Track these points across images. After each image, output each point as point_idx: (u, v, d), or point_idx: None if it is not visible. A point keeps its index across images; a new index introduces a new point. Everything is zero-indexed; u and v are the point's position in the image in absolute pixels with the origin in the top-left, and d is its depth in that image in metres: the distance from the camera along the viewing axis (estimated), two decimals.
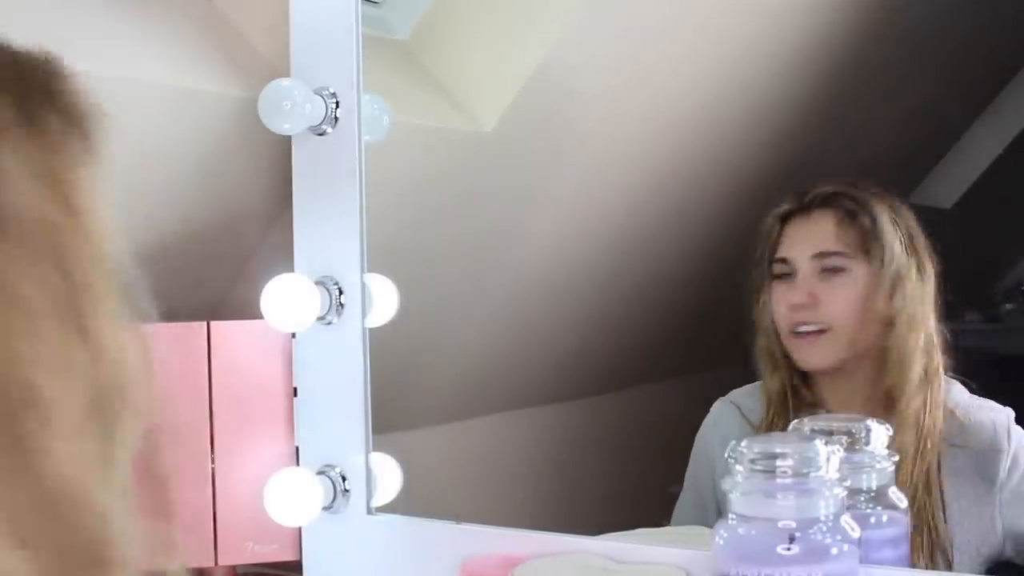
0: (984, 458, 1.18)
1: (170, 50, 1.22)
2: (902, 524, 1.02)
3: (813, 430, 1.02)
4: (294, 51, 1.22)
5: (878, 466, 1.02)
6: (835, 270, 1.24)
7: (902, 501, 1.03)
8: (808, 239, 1.26)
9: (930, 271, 1.22)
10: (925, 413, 1.17)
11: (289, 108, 1.17)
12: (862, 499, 1.00)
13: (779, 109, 1.54)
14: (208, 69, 1.24)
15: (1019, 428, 1.19)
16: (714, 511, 1.25)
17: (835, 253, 1.24)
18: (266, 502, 1.18)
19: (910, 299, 1.21)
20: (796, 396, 1.26)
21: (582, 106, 1.44)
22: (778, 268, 1.27)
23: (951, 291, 1.21)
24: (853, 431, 1.02)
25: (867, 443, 1.02)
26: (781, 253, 1.27)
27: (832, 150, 1.53)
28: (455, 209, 1.42)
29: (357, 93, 1.20)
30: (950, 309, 1.21)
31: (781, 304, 1.26)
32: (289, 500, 1.18)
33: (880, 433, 1.03)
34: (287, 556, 1.25)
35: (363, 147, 1.20)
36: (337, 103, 1.20)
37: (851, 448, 1.00)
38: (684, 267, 1.57)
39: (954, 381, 1.22)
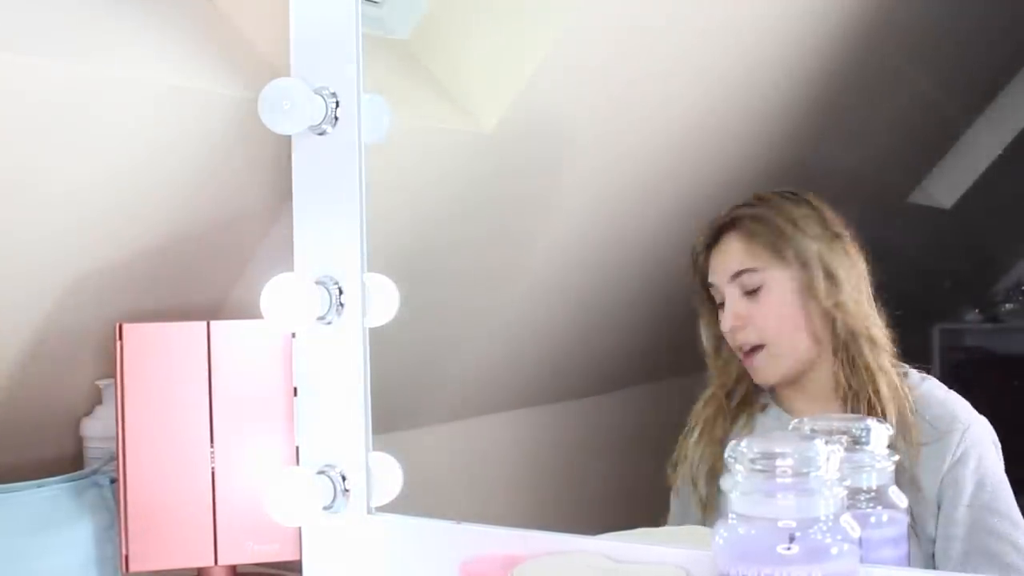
0: (942, 441, 1.20)
1: (170, 50, 1.22)
2: (902, 524, 1.02)
3: (813, 430, 1.02)
4: (294, 51, 1.22)
5: (878, 466, 1.01)
6: (754, 288, 1.27)
7: (902, 501, 1.03)
8: (723, 263, 1.30)
9: (856, 256, 1.24)
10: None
11: (289, 108, 1.17)
12: (862, 499, 1.00)
13: (779, 110, 1.54)
14: (208, 69, 1.24)
15: (980, 427, 1.19)
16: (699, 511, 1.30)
17: (747, 270, 1.28)
18: (266, 502, 1.18)
19: (842, 289, 1.23)
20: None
21: (582, 106, 1.44)
22: (713, 294, 1.32)
23: (951, 291, 1.22)
24: (853, 431, 1.02)
25: (867, 443, 1.02)
26: (710, 280, 1.32)
27: (832, 151, 1.53)
28: (455, 209, 1.42)
29: (357, 93, 1.20)
30: (950, 309, 1.22)
31: (724, 328, 1.30)
32: (289, 500, 1.18)
33: (880, 433, 1.03)
34: (287, 556, 1.25)
35: (363, 147, 1.20)
36: (337, 103, 1.20)
37: (851, 448, 1.00)
38: (684, 266, 1.57)
39: (929, 376, 1.23)
